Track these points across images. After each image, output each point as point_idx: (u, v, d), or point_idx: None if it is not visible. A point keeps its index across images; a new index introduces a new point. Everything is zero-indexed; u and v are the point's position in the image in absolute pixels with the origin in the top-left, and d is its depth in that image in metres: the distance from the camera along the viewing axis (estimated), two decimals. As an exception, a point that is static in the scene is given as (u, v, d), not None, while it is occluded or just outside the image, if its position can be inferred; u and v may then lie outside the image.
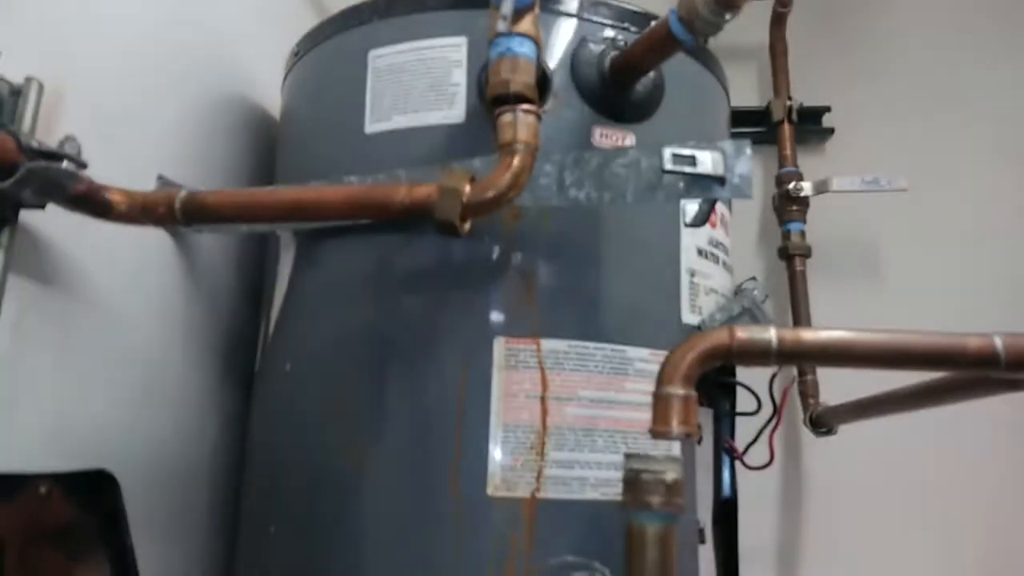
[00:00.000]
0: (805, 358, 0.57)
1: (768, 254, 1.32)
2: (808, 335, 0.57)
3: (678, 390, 0.55)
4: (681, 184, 0.62)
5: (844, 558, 1.24)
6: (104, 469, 0.71)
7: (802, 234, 1.24)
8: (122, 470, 0.71)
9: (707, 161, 0.60)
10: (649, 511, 0.54)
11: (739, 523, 0.95)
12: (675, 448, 0.69)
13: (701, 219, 0.66)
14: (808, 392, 1.18)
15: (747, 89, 1.38)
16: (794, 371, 1.12)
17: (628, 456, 0.55)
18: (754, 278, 0.93)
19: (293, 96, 0.91)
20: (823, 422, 1.12)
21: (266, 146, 1.00)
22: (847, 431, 1.11)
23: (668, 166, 0.60)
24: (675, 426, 0.55)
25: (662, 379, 0.56)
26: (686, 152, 0.60)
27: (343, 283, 0.78)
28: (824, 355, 0.56)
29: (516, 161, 0.59)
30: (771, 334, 0.56)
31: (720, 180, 0.61)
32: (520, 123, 0.60)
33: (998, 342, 0.54)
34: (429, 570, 0.69)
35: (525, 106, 0.60)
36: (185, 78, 0.86)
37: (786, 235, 1.25)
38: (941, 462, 1.24)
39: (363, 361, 0.76)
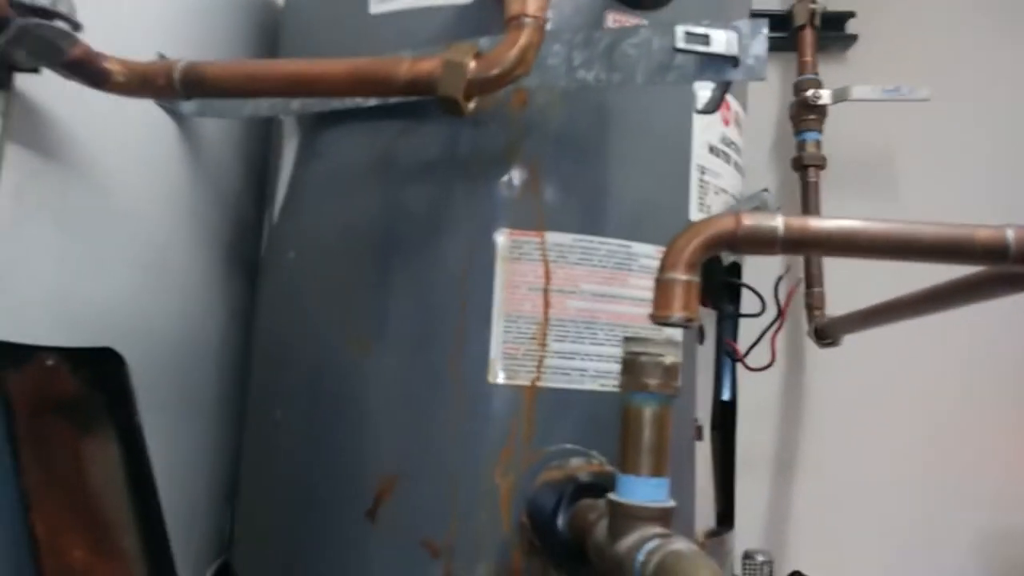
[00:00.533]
0: (811, 246, 0.56)
1: (782, 166, 1.30)
2: (815, 223, 0.56)
3: (681, 275, 0.55)
4: (693, 65, 0.60)
5: (839, 470, 1.26)
6: (110, 347, 0.72)
7: (818, 144, 1.21)
8: (128, 350, 0.72)
9: (721, 40, 0.58)
10: (646, 392, 0.54)
11: (737, 430, 0.97)
12: (676, 336, 0.68)
13: (713, 105, 0.64)
14: (814, 304, 1.17)
15: (769, -9, 1.32)
16: (800, 273, 1.11)
17: (627, 339, 0.56)
18: (766, 189, 0.91)
19: (296, -22, 0.88)
20: (828, 333, 1.11)
21: (269, 34, 0.97)
22: (852, 343, 1.11)
23: (680, 44, 0.58)
24: (676, 311, 0.54)
25: (665, 265, 0.56)
26: (700, 31, 0.58)
27: (347, 172, 0.77)
28: (830, 243, 0.55)
29: (523, 36, 0.57)
30: (778, 221, 0.55)
31: (734, 61, 0.59)
32: (530, -5, 0.58)
33: (1009, 233, 0.53)
34: (430, 454, 0.70)
35: (535, -22, 0.58)
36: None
37: (801, 145, 1.22)
38: (942, 376, 1.25)
39: (367, 250, 0.75)
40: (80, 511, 0.65)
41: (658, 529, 0.51)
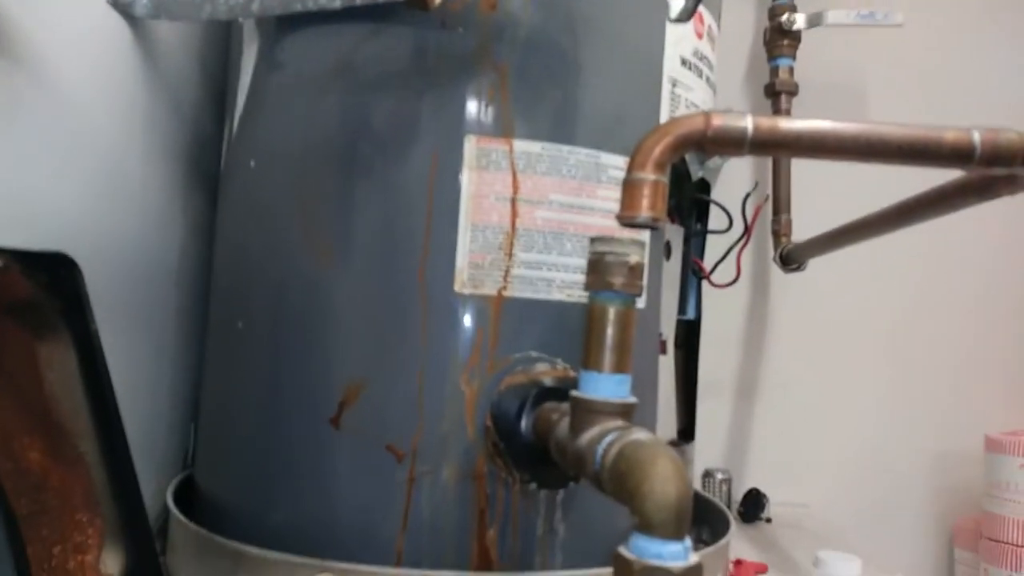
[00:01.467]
0: (780, 147, 0.55)
1: (755, 92, 1.30)
2: (784, 123, 0.55)
3: (649, 175, 0.54)
4: (667, -37, 0.58)
5: (799, 392, 1.29)
6: (64, 252, 0.70)
7: (790, 70, 1.21)
8: (84, 260, 0.70)
9: (696, -62, 0.56)
10: (611, 291, 0.54)
11: (701, 350, 0.98)
12: (642, 236, 0.68)
13: (687, 14, 0.63)
14: (781, 231, 1.18)
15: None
16: (768, 191, 1.12)
17: (594, 239, 0.55)
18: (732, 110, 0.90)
19: None
20: (793, 257, 1.13)
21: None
22: (816, 267, 1.12)
23: (655, -60, 0.56)
24: (644, 211, 0.54)
25: (633, 165, 0.55)
26: (675, -72, 0.56)
27: (309, 77, 0.75)
28: (799, 144, 0.55)
29: (493, -76, 0.55)
30: (747, 121, 0.54)
31: (708, -40, 0.57)
32: None
33: (975, 135, 0.53)
34: (396, 362, 0.70)
35: None
36: None
37: (774, 71, 1.21)
38: (903, 303, 1.27)
39: (330, 158, 0.73)
40: (36, 414, 0.63)
41: (620, 423, 0.52)
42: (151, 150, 0.84)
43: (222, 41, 0.91)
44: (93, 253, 0.74)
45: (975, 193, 0.61)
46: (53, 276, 0.68)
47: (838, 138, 0.54)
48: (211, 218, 0.89)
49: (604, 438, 0.50)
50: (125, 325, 0.81)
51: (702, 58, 0.83)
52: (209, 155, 0.91)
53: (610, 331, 0.54)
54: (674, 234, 0.85)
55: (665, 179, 0.55)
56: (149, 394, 0.87)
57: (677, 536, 0.42)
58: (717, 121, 0.54)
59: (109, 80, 0.77)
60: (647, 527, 0.42)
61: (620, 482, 0.46)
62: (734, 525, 0.87)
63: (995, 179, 0.58)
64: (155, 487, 0.87)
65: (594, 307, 0.55)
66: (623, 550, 0.43)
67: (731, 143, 0.55)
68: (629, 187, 0.55)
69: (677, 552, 0.42)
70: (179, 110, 0.89)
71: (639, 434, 0.48)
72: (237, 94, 0.82)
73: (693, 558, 0.42)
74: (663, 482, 0.43)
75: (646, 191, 0.54)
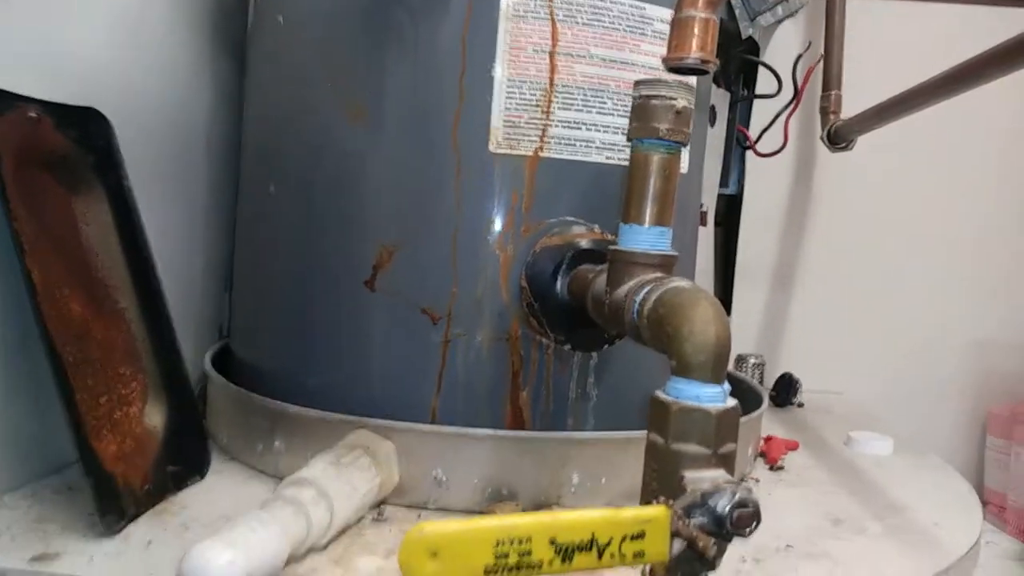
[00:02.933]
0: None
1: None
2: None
3: (700, 12, 0.50)
4: None
5: (839, 279, 1.26)
6: (95, 108, 0.68)
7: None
8: (113, 114, 0.69)
9: None
10: (655, 138, 0.51)
11: (741, 228, 0.96)
12: (690, 80, 0.65)
13: None
14: (831, 108, 1.12)
15: None
16: (820, 50, 1.06)
17: (639, 82, 0.52)
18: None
19: None
20: (841, 135, 1.07)
21: None
22: (865, 149, 1.07)
23: None
24: (693, 51, 0.50)
25: (682, 2, 0.51)
26: None
27: (338, -78, 0.71)
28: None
29: None
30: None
31: None
32: None
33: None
34: (430, 223, 0.69)
35: None
36: None
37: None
38: (953, 194, 1.22)
39: (360, 12, 0.70)
40: (76, 266, 0.64)
41: (659, 274, 0.50)
42: (176, 12, 0.81)
43: None
44: (123, 108, 0.72)
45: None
46: (84, 131, 0.68)
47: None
48: (240, 84, 0.87)
49: (643, 288, 0.48)
50: (157, 182, 0.80)
51: (759, -96, 0.77)
52: (235, 19, 0.88)
53: (652, 181, 0.52)
54: (720, 99, 0.81)
55: (716, 17, 0.51)
56: (183, 258, 0.87)
57: (716, 379, 0.41)
58: (777, -48, 0.50)
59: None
60: (685, 369, 0.41)
61: (659, 326, 0.44)
62: (767, 400, 0.87)
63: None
64: (192, 354, 0.89)
65: (636, 155, 0.52)
66: (660, 393, 0.42)
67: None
68: (678, 25, 0.51)
69: (716, 395, 0.41)
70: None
71: (679, 281, 0.47)
72: (263, -54, 0.78)
73: (731, 401, 0.41)
74: (704, 324, 0.42)
75: (696, 29, 0.50)
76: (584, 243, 0.66)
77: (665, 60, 0.52)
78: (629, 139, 0.53)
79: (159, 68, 0.80)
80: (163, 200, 0.82)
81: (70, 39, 0.68)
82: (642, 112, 0.51)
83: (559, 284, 0.63)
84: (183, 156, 0.86)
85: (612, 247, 0.53)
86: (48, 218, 0.63)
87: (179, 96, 0.84)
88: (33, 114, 0.63)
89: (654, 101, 0.51)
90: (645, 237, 0.52)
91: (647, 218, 0.52)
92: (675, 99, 0.51)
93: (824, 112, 1.13)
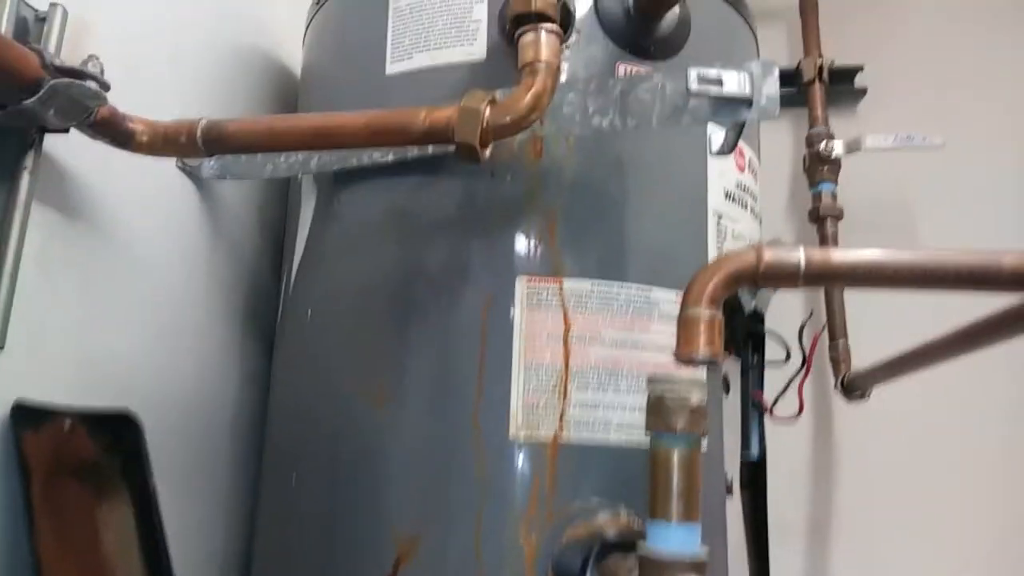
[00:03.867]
0: (834, 278, 0.55)
1: (799, 217, 1.30)
2: (838, 254, 0.55)
3: (704, 311, 0.53)
4: (707, 107, 0.60)
5: (881, 532, 1.21)
6: (127, 410, 0.71)
7: (833, 196, 1.21)
8: (144, 413, 0.71)
9: (734, 81, 0.58)
10: (673, 434, 0.52)
11: (768, 489, 0.93)
12: (701, 375, 0.67)
13: (728, 147, 0.64)
14: (840, 357, 1.14)
15: (777, 49, 1.35)
16: (823, 319, 1.09)
17: (651, 379, 0.54)
18: (779, 240, 0.90)
19: (313, 46, 0.90)
20: (856, 386, 1.08)
21: (287, 101, 0.99)
22: (882, 394, 1.08)
23: (694, 87, 0.58)
24: (701, 348, 0.53)
25: (687, 301, 0.54)
26: (712, 73, 0.59)
27: (364, 228, 0.78)
28: (854, 275, 0.54)
29: (538, 81, 0.58)
30: (799, 254, 0.54)
31: (747, 101, 0.59)
32: (542, 42, 0.59)
33: (1039, 257, 0.52)
34: (451, 514, 0.68)
35: (547, 25, 0.59)
36: (212, 25, 0.87)
37: (817, 197, 1.22)
38: (983, 423, 1.20)
39: (385, 305, 0.75)
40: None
41: (693, 578, 0.49)
42: (212, 303, 0.87)
43: (281, 193, 0.96)
44: (154, 405, 0.75)
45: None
46: (116, 435, 0.69)
47: (893, 267, 0.53)
48: (266, 365, 0.91)
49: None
50: (182, 477, 0.81)
51: (745, 189, 0.84)
52: (265, 305, 0.93)
53: (676, 477, 0.52)
54: (731, 367, 0.83)
55: (720, 315, 0.54)
56: (203, 548, 0.85)
57: None
58: (769, 256, 0.54)
59: (176, 237, 0.82)
60: None
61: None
62: None
63: (1066, 301, 0.55)
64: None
65: (657, 452, 0.53)
66: None
67: (784, 277, 0.54)
68: (685, 324, 0.54)
69: None
70: (239, 262, 0.92)
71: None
72: (296, 245, 0.85)
73: None
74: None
75: (702, 327, 0.53)
76: (610, 533, 0.64)
77: (676, 355, 0.54)
78: (647, 432, 0.54)
79: (193, 360, 0.84)
80: (187, 488, 0.82)
81: (109, 346, 0.71)
82: (658, 408, 0.53)
83: (588, 579, 0.61)
84: (208, 441, 0.87)
85: (642, 552, 0.51)
86: (70, 529, 0.63)
87: (209, 384, 0.87)
88: (67, 424, 0.65)
89: (668, 397, 0.52)
90: (674, 535, 0.51)
91: (674, 514, 0.51)
92: (688, 395, 0.52)
93: (834, 362, 1.15)
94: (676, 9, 0.75)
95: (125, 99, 0.63)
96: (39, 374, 0.64)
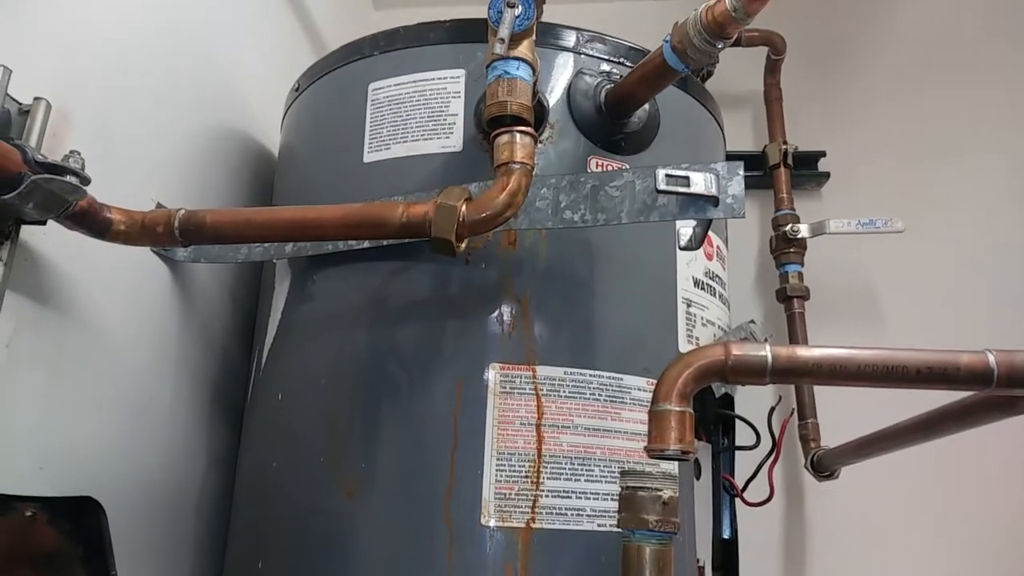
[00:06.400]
0: (800, 375, 0.56)
1: (767, 297, 1.32)
2: (803, 352, 0.56)
3: (675, 407, 0.54)
4: (675, 204, 0.62)
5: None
6: (90, 497, 0.69)
7: (800, 276, 1.24)
8: (108, 498, 0.70)
9: (700, 181, 0.61)
10: (645, 530, 0.52)
11: (740, 571, 0.93)
12: (673, 469, 0.67)
13: (696, 242, 0.67)
14: (809, 436, 1.16)
15: (743, 134, 1.40)
16: (793, 404, 1.10)
17: (624, 473, 0.55)
18: (752, 321, 0.92)
19: (292, 131, 0.92)
20: (825, 465, 1.09)
21: (264, 184, 1.01)
22: (850, 471, 1.09)
23: (662, 186, 0.61)
24: (672, 443, 0.54)
25: (658, 396, 0.55)
26: (680, 173, 0.61)
27: (338, 311, 0.78)
28: (818, 372, 0.55)
29: (513, 180, 0.60)
30: (766, 351, 0.56)
31: (713, 200, 0.61)
32: (517, 143, 0.61)
33: (991, 358, 0.54)
34: (422, 605, 0.67)
35: (522, 127, 0.61)
36: (190, 109, 0.88)
37: (784, 277, 1.25)
38: (949, 497, 1.21)
39: (356, 388, 0.75)
40: None
41: None
42: (180, 384, 0.86)
43: (254, 274, 0.97)
44: (119, 490, 0.73)
45: (999, 410, 0.61)
46: (77, 522, 0.68)
47: (856, 365, 0.55)
48: (234, 447, 0.90)
49: None
50: (145, 563, 0.78)
51: (714, 277, 0.86)
52: (234, 386, 0.93)
53: (648, 574, 0.52)
54: (702, 451, 0.84)
55: (691, 409, 0.55)
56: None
57: None
58: (737, 351, 0.56)
59: (147, 319, 0.81)
60: None
61: None
62: None
63: (1017, 397, 0.57)
64: None
65: (629, 547, 0.53)
66: None
67: (752, 373, 0.55)
68: (656, 419, 0.55)
69: None
70: (209, 342, 0.92)
71: None
72: (267, 327, 0.85)
73: None
74: None
75: (673, 423, 0.54)
76: (583, 624, 0.63)
77: (647, 450, 0.55)
78: (619, 527, 0.54)
79: (159, 444, 0.82)
80: (149, 570, 0.80)
81: (74, 433, 0.70)
82: (630, 503, 0.53)
83: (560, 674, 0.60)
84: (173, 524, 0.85)
85: (613, 646, 0.51)
86: (25, 625, 0.60)
87: (175, 466, 0.85)
88: (29, 512, 0.63)
89: (641, 493, 0.53)
90: (646, 633, 0.50)
91: (646, 614, 0.51)
92: (661, 490, 0.53)
93: (804, 440, 1.16)
94: (646, 106, 0.78)
95: (101, 182, 0.63)
96: (3, 460, 0.63)
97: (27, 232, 0.62)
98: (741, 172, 0.62)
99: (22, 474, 0.63)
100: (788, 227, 1.25)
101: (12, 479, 0.62)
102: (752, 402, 0.93)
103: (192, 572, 0.87)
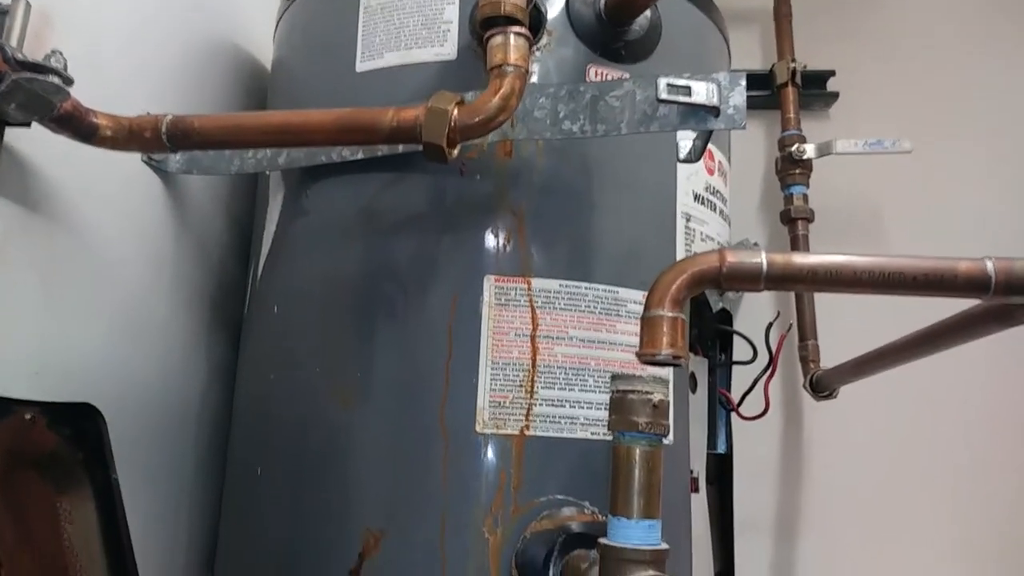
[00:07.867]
0: (795, 281, 0.55)
1: (771, 220, 1.31)
2: (798, 258, 0.56)
3: (667, 312, 0.54)
4: (676, 115, 0.61)
5: (844, 531, 1.22)
6: (89, 403, 0.70)
7: (804, 198, 1.23)
8: (107, 406, 0.71)
9: (702, 91, 0.59)
10: (635, 432, 0.53)
11: (735, 485, 0.95)
12: (664, 374, 0.68)
13: (696, 154, 0.65)
14: (809, 357, 1.16)
15: (751, 53, 1.36)
16: (792, 320, 1.10)
17: (614, 377, 0.55)
18: (756, 243, 0.91)
19: (284, 42, 0.90)
20: (824, 385, 1.10)
21: (258, 101, 0.99)
22: (849, 394, 1.09)
23: (663, 95, 0.59)
24: (664, 348, 0.54)
25: (651, 302, 0.55)
26: (681, 82, 0.59)
27: (332, 223, 0.78)
28: (814, 278, 0.55)
29: (506, 84, 0.58)
30: (761, 257, 0.55)
31: (714, 111, 0.60)
32: (511, 45, 0.59)
33: (989, 265, 0.53)
34: (417, 508, 0.68)
35: (516, 28, 0.59)
36: (181, 20, 0.86)
37: (788, 199, 1.23)
38: (947, 420, 1.22)
39: (351, 302, 0.75)
40: (54, 570, 0.62)
41: (651, 572, 0.49)
42: (177, 296, 0.86)
43: (249, 188, 0.96)
44: (117, 399, 0.74)
45: (996, 320, 0.60)
46: (77, 428, 0.69)
47: (853, 271, 0.54)
48: (232, 361, 0.90)
49: (635, 591, 0.47)
50: (146, 470, 0.80)
51: (715, 192, 0.85)
52: (232, 299, 0.93)
53: (637, 474, 0.52)
54: (699, 366, 0.84)
55: (684, 315, 0.55)
56: (167, 542, 0.85)
57: None
58: (732, 258, 0.55)
59: (141, 231, 0.81)
60: None
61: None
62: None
63: (1015, 306, 0.57)
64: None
65: (619, 449, 0.53)
66: None
67: (747, 279, 0.55)
68: (648, 324, 0.54)
69: None
70: (205, 257, 0.92)
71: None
72: (263, 240, 0.85)
73: None
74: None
75: (665, 328, 0.54)
76: (575, 526, 0.65)
77: (639, 355, 0.55)
78: (610, 430, 0.54)
79: (157, 355, 0.83)
80: (151, 481, 0.81)
81: (71, 339, 0.71)
82: (620, 406, 0.53)
83: (551, 572, 0.62)
84: (173, 434, 0.86)
85: (602, 542, 0.52)
86: (31, 522, 0.62)
87: (174, 377, 0.86)
88: (28, 415, 0.65)
89: (631, 396, 0.53)
90: (635, 532, 0.51)
91: (635, 511, 0.52)
92: (651, 393, 0.53)
93: (804, 361, 1.16)
94: (647, 13, 0.75)
95: (89, 92, 0.62)
96: (-1, 367, 0.63)
97: (13, 137, 0.61)
98: (743, 82, 0.60)
99: (18, 378, 0.64)
100: (794, 148, 1.22)
101: (7, 382, 0.62)
102: (750, 318, 0.93)
103: (192, 479, 0.89)
